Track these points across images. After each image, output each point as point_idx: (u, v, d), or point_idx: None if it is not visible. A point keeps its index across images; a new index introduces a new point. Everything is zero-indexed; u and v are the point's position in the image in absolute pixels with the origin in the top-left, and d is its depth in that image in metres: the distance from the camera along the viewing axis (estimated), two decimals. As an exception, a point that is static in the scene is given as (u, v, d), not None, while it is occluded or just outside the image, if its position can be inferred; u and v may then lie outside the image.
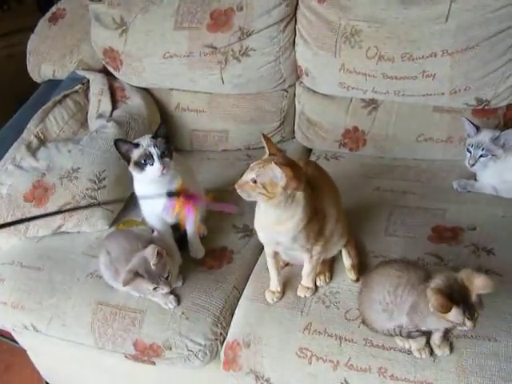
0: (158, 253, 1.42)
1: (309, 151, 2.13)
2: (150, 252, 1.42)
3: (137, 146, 1.51)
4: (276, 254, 1.47)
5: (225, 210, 1.66)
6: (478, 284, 1.13)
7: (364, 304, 1.35)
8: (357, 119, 1.97)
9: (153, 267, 1.42)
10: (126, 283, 1.41)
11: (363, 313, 1.37)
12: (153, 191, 1.55)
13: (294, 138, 2.16)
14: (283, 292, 1.50)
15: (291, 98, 2.09)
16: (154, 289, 1.44)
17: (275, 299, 1.49)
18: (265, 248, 1.47)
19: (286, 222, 1.30)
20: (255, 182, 1.23)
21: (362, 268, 1.52)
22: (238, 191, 1.26)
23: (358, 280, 1.48)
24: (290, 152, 2.11)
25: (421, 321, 1.21)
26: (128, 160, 1.52)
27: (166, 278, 1.45)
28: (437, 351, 1.30)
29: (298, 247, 1.38)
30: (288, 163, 1.24)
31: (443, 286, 1.15)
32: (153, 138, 1.52)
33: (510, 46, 1.69)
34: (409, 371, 1.30)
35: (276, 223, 1.32)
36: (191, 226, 1.66)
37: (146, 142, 1.51)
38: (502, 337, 1.30)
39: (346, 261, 1.52)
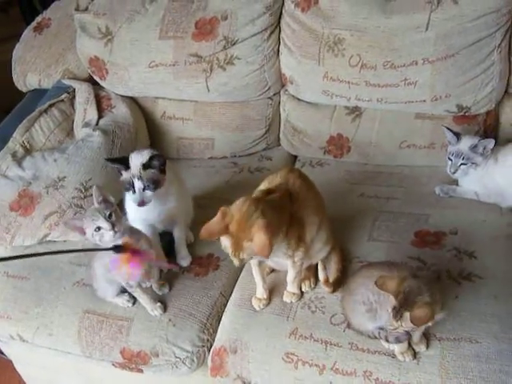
0: (99, 189, 1.39)
1: (294, 158, 2.15)
2: (94, 190, 1.40)
3: (127, 167, 1.50)
4: (261, 262, 1.49)
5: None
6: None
7: (348, 307, 1.38)
8: (341, 126, 2.00)
9: (96, 204, 1.38)
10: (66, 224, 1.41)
11: (347, 316, 1.39)
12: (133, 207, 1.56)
13: (279, 145, 2.18)
14: (270, 298, 1.52)
15: (276, 106, 2.11)
16: (98, 229, 1.35)
17: (262, 306, 1.51)
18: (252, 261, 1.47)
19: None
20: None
21: (347, 273, 1.54)
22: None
23: (334, 291, 1.50)
24: (276, 159, 2.14)
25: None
26: (120, 173, 1.53)
27: (110, 216, 1.36)
28: (414, 347, 1.33)
29: (281, 254, 1.40)
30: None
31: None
32: (143, 168, 1.50)
33: (487, 54, 1.73)
34: (393, 374, 1.32)
35: None
36: (179, 232, 1.68)
37: (135, 169, 1.50)
38: (484, 338, 1.33)
39: (321, 274, 1.53)
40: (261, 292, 1.51)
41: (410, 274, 1.26)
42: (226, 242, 1.27)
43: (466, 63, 1.74)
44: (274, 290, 1.55)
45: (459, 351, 1.32)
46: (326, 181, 1.95)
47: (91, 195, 1.79)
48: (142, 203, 1.51)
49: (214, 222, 1.25)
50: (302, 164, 2.09)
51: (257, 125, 2.13)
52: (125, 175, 1.52)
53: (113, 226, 1.36)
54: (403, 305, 1.18)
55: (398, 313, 1.18)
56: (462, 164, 1.72)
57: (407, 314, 1.17)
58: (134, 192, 1.51)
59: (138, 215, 1.62)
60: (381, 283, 1.21)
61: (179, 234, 1.69)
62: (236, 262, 1.28)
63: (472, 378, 1.28)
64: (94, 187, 1.41)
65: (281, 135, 2.16)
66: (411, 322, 1.16)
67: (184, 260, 1.68)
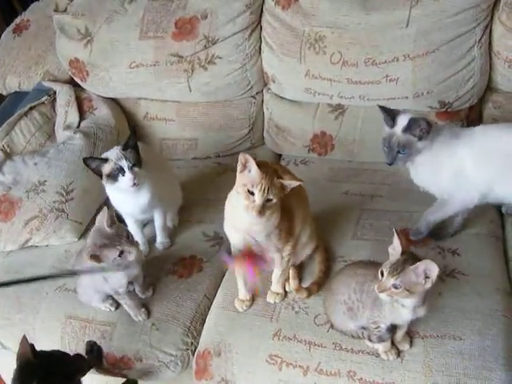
0: (108, 214, 1.36)
1: (279, 157, 2.14)
2: (100, 217, 1.37)
3: (106, 160, 1.51)
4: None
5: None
6: None
7: (329, 307, 1.37)
8: (324, 124, 1.99)
9: (108, 229, 1.36)
10: (93, 259, 1.32)
11: (330, 317, 1.38)
12: (127, 200, 1.59)
13: (263, 144, 2.17)
14: (252, 299, 1.51)
15: (259, 105, 2.10)
16: (121, 254, 1.35)
17: (245, 307, 1.50)
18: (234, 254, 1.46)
19: (264, 222, 1.30)
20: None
21: (331, 273, 1.53)
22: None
23: (309, 296, 1.49)
24: (261, 158, 2.06)
25: (379, 314, 1.23)
26: (100, 175, 1.53)
27: (127, 238, 1.37)
28: (398, 346, 1.32)
29: (271, 246, 1.39)
30: None
31: None
32: (123, 149, 1.52)
33: (468, 50, 1.73)
34: (377, 373, 1.32)
35: (254, 224, 1.31)
36: (159, 219, 1.71)
37: (114, 155, 1.52)
38: (467, 335, 1.33)
39: (292, 282, 1.52)
40: (243, 293, 1.50)
41: None
42: (254, 179, 1.24)
43: (446, 59, 1.74)
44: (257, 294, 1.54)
45: (443, 348, 1.32)
46: (311, 179, 1.91)
47: (72, 199, 1.80)
48: (135, 180, 1.53)
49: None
50: (287, 163, 2.08)
51: (240, 124, 2.11)
52: (107, 167, 1.52)
53: (136, 246, 1.39)
54: (405, 262, 1.15)
55: (398, 267, 1.14)
56: (398, 152, 1.47)
57: (409, 268, 1.13)
58: (124, 174, 1.51)
59: (125, 209, 1.65)
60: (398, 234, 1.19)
61: (160, 221, 1.71)
62: (259, 204, 1.23)
63: (456, 374, 1.28)
64: (103, 210, 1.38)
65: (265, 134, 2.15)
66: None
67: (162, 245, 1.72)
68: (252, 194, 1.23)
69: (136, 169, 1.53)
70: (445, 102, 1.81)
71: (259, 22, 1.96)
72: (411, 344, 1.33)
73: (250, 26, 1.94)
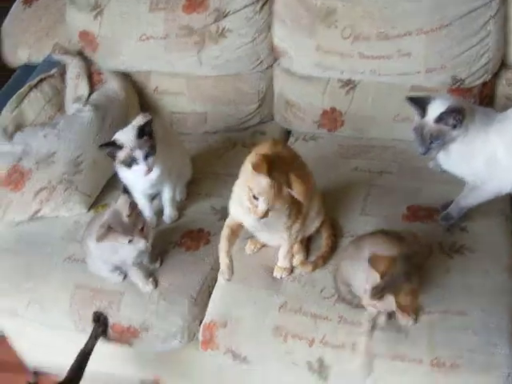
0: (130, 203, 1.39)
1: (288, 132, 2.13)
2: (122, 203, 1.39)
3: (120, 147, 1.51)
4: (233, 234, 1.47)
5: None
6: None
7: (347, 272, 1.36)
8: (334, 100, 1.97)
9: (126, 219, 1.38)
10: (99, 239, 1.37)
11: (348, 281, 1.37)
12: (137, 176, 1.58)
13: (272, 119, 2.15)
14: (256, 283, 1.51)
15: (269, 80, 2.08)
16: (130, 241, 1.40)
17: (227, 276, 1.48)
18: (225, 229, 1.46)
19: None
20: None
21: (337, 247, 1.53)
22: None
23: (315, 269, 1.50)
24: (270, 134, 2.11)
25: None
26: (113, 158, 1.54)
27: (141, 230, 1.41)
28: (403, 322, 1.33)
29: (281, 225, 1.39)
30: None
31: None
32: (138, 136, 1.51)
33: (483, 25, 1.69)
34: (381, 346, 1.33)
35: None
36: (168, 192, 1.72)
37: (130, 143, 1.51)
38: (472, 312, 1.33)
39: (297, 256, 1.52)
40: (224, 259, 1.48)
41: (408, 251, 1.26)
42: (262, 187, 1.22)
43: (460, 34, 1.71)
44: (263, 265, 1.55)
45: (447, 324, 1.32)
46: (320, 155, 1.94)
47: (81, 171, 1.81)
48: (149, 170, 1.54)
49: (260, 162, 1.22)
50: (296, 138, 2.06)
51: (250, 99, 2.10)
52: (121, 154, 1.53)
53: (146, 238, 1.42)
54: (387, 287, 1.17)
55: (378, 292, 1.17)
56: (431, 142, 1.41)
57: (391, 298, 1.15)
58: (138, 164, 1.52)
59: (135, 184, 1.66)
60: (373, 260, 1.20)
61: (168, 194, 1.72)
62: (264, 208, 1.24)
63: (459, 349, 1.29)
64: (122, 201, 1.40)
65: (274, 109, 2.13)
66: (398, 307, 1.16)
67: (169, 217, 1.73)
68: (255, 198, 1.23)
69: (151, 158, 1.53)
70: (457, 78, 1.78)
71: (271, -6, 1.94)
72: (416, 320, 1.34)
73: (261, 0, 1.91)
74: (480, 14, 1.68)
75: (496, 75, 1.82)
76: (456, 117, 1.36)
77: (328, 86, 1.97)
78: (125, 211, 1.38)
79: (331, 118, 1.99)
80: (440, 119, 1.38)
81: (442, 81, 1.80)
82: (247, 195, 1.25)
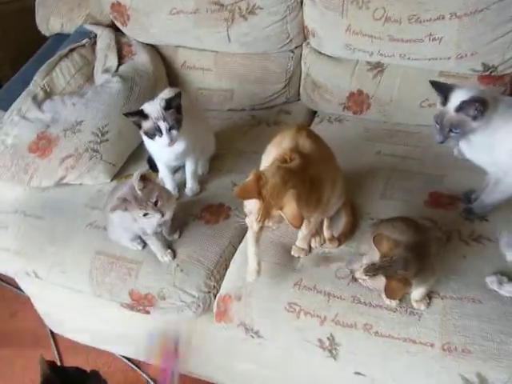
0: (143, 177, 1.41)
1: (313, 113, 2.13)
2: (134, 177, 1.41)
3: (146, 117, 1.54)
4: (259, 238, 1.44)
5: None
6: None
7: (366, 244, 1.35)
8: (362, 82, 1.95)
9: (139, 192, 1.40)
10: (113, 209, 1.41)
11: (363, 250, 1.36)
12: (162, 149, 1.61)
13: (299, 99, 2.15)
14: (272, 260, 1.52)
15: (297, 59, 2.07)
16: (145, 215, 1.43)
17: (254, 277, 1.45)
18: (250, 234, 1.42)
19: None
20: None
21: (355, 229, 1.54)
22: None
23: (340, 245, 1.51)
24: (295, 114, 2.11)
25: None
26: (139, 126, 1.57)
27: (155, 204, 1.43)
28: (414, 305, 1.34)
29: None
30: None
31: None
32: (165, 108, 1.53)
33: (519, 11, 1.65)
34: (393, 328, 1.33)
35: None
36: (190, 165, 1.74)
37: (155, 114, 1.54)
38: (487, 299, 1.33)
39: (326, 232, 1.52)
40: (252, 260, 1.44)
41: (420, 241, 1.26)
42: (252, 206, 1.24)
43: (495, 19, 1.66)
44: (282, 243, 1.56)
45: (461, 310, 1.32)
46: (344, 137, 1.93)
47: (107, 140, 1.84)
48: (171, 143, 1.56)
49: (249, 183, 1.22)
50: (321, 120, 2.06)
51: (277, 78, 2.10)
52: (146, 124, 1.55)
53: (161, 212, 1.44)
54: (383, 268, 1.17)
55: (373, 270, 1.17)
56: (450, 131, 1.39)
57: (382, 279, 1.16)
58: (161, 135, 1.54)
59: (160, 156, 1.70)
60: (377, 239, 1.21)
61: (191, 168, 1.75)
62: (256, 227, 1.26)
63: (472, 336, 1.28)
64: (135, 174, 1.41)
65: (301, 89, 2.13)
66: (384, 289, 1.16)
67: (191, 190, 1.76)
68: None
69: (174, 131, 1.55)
70: (489, 65, 1.75)
71: (305, -28, 1.92)
72: (429, 305, 1.34)
73: (293, -23, 1.90)
74: (517, -1, 1.64)
75: (530, 64, 1.78)
76: (477, 108, 1.33)
77: (356, 68, 1.96)
78: (137, 185, 1.40)
79: (358, 101, 1.98)
80: (461, 108, 1.35)
81: (472, 67, 1.77)
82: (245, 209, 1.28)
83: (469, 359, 1.26)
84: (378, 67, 1.92)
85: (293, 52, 2.07)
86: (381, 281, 1.18)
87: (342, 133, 1.96)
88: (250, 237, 1.43)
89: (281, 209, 1.20)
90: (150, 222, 1.49)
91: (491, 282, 1.34)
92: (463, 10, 1.67)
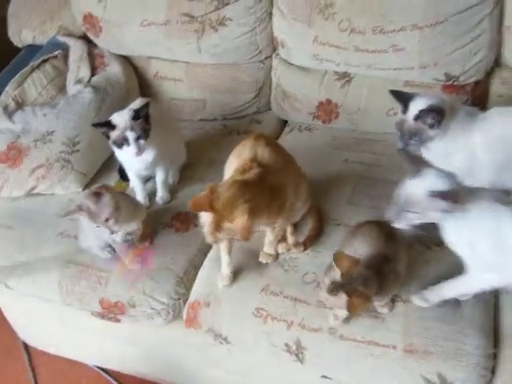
0: (96, 193, 1.43)
1: (284, 122, 2.16)
2: (88, 193, 1.46)
3: (113, 127, 1.56)
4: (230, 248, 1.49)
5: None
6: None
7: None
8: (330, 92, 2.00)
9: (93, 206, 1.43)
10: (65, 214, 1.46)
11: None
12: (132, 158, 1.62)
13: (270, 109, 2.19)
14: (240, 266, 1.54)
15: (267, 70, 2.11)
16: (97, 226, 1.46)
17: (225, 283, 1.50)
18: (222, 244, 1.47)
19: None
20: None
21: (321, 234, 1.57)
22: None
23: (306, 249, 1.54)
24: (266, 123, 2.15)
25: None
26: (107, 137, 1.59)
27: (106, 221, 1.44)
28: (378, 309, 1.37)
29: (262, 224, 1.42)
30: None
31: None
32: (133, 118, 1.56)
33: (477, 23, 1.71)
34: (357, 331, 1.36)
35: None
36: (161, 175, 1.76)
37: (123, 124, 1.56)
38: (447, 302, 1.36)
39: (290, 238, 1.55)
40: (225, 267, 1.51)
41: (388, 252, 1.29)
42: (205, 219, 1.27)
43: (455, 31, 1.72)
44: (249, 249, 1.58)
45: (423, 313, 1.35)
46: (313, 146, 1.97)
47: (78, 150, 1.85)
48: (139, 152, 1.58)
49: (202, 197, 1.25)
50: (291, 129, 2.10)
51: (247, 88, 2.13)
52: (114, 134, 1.57)
53: (110, 229, 1.48)
54: (343, 285, 1.20)
55: (335, 288, 1.20)
56: (410, 139, 1.44)
57: (343, 296, 1.18)
58: (128, 145, 1.56)
59: (129, 166, 1.72)
60: (337, 258, 1.24)
61: (161, 177, 1.77)
62: (210, 240, 1.29)
63: (433, 337, 1.32)
64: (87, 191, 1.50)
65: (271, 99, 2.16)
66: (346, 306, 1.19)
67: (162, 199, 1.77)
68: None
69: (141, 141, 1.57)
70: (451, 75, 1.80)
71: (269, -16, 1.96)
72: (392, 309, 1.37)
73: (261, -12, 1.94)
74: (475, 11, 1.69)
75: (490, 74, 1.84)
76: (434, 117, 1.39)
77: (325, 78, 2.00)
78: (89, 200, 1.43)
79: (326, 110, 2.02)
80: (418, 117, 1.41)
81: (435, 77, 1.82)
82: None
83: (430, 360, 1.29)
84: (345, 77, 1.97)
85: (263, 62, 2.10)
86: (342, 299, 1.20)
87: (311, 141, 2.00)
88: (221, 247, 1.47)
89: (232, 221, 1.23)
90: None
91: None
92: (424, 22, 1.72)
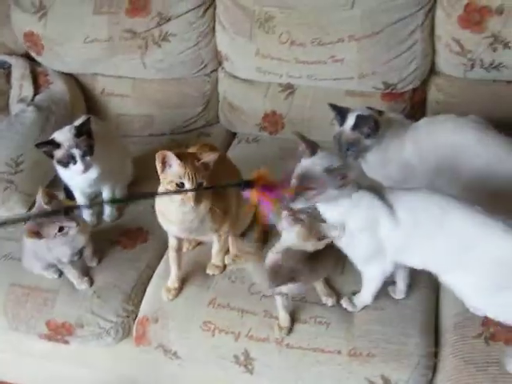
0: (45, 192, 1.43)
1: (233, 135, 2.18)
2: (38, 196, 1.43)
3: (58, 146, 1.55)
4: (179, 249, 1.51)
5: None
6: None
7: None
8: (275, 103, 2.03)
9: (45, 206, 1.42)
10: (33, 235, 1.41)
11: None
12: (76, 176, 1.62)
13: (218, 122, 2.20)
14: (181, 288, 1.53)
15: (214, 83, 2.13)
16: (61, 229, 1.42)
17: (171, 296, 1.51)
18: (170, 240, 1.50)
19: (195, 209, 1.35)
20: None
21: (266, 244, 1.59)
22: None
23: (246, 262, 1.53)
24: (215, 136, 2.16)
25: None
26: (51, 157, 1.57)
27: (67, 213, 1.42)
28: (323, 299, 1.41)
29: (208, 229, 1.44)
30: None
31: None
32: (76, 135, 1.55)
33: (410, 33, 1.77)
34: (303, 339, 1.38)
35: (187, 213, 1.36)
36: (107, 192, 1.76)
37: (67, 142, 1.55)
38: (388, 306, 1.40)
39: (232, 248, 1.57)
40: (173, 281, 1.52)
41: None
42: (177, 170, 1.28)
43: (390, 41, 1.79)
44: (197, 263, 1.59)
45: (365, 317, 1.39)
46: (261, 157, 1.99)
47: (22, 171, 1.83)
48: (86, 170, 1.57)
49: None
50: (239, 140, 2.12)
51: (195, 102, 2.15)
52: (58, 153, 1.56)
53: (75, 220, 1.43)
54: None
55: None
56: (347, 150, 1.51)
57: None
58: (75, 162, 1.55)
59: (74, 184, 1.70)
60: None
61: (108, 194, 1.76)
62: (192, 201, 1.29)
63: (375, 340, 1.35)
64: (40, 189, 1.44)
65: (219, 112, 2.18)
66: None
67: (109, 217, 1.77)
68: (182, 185, 1.27)
69: (87, 157, 1.57)
70: (389, 84, 1.86)
71: (213, 0, 1.99)
72: (338, 301, 1.41)
73: (203, 5, 1.97)
74: (408, 22, 1.76)
75: (426, 81, 1.90)
76: (370, 126, 1.47)
77: (269, 90, 2.03)
78: (42, 200, 1.42)
79: (272, 121, 2.06)
80: (355, 127, 1.48)
81: (374, 86, 1.87)
82: (173, 189, 1.29)
83: (373, 362, 1.32)
84: (289, 88, 2.00)
85: (209, 76, 2.12)
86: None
87: (259, 152, 2.02)
88: (171, 257, 1.50)
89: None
90: (65, 250, 1.50)
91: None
92: (361, 33, 1.78)
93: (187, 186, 1.28)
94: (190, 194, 1.29)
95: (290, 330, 1.39)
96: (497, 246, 1.15)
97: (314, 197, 1.19)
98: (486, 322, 1.30)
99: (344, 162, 1.24)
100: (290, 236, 1.25)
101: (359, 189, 1.22)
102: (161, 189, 1.35)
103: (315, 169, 1.20)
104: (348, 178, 1.18)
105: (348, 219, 1.22)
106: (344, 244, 1.27)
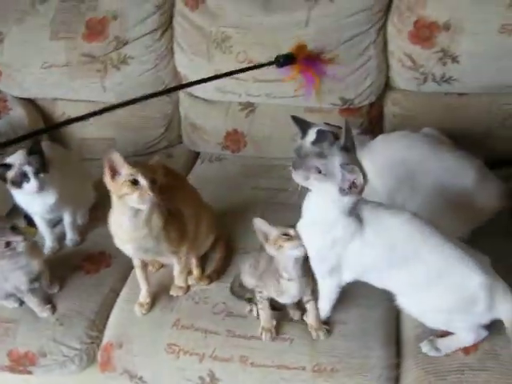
0: None
1: (196, 154, 2.19)
2: None
3: (9, 167, 1.53)
4: (145, 266, 1.52)
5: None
6: None
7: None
8: (236, 122, 2.05)
9: None
10: None
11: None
12: (33, 201, 1.62)
13: (181, 142, 2.21)
14: (153, 302, 1.53)
15: (175, 104, 2.14)
16: (7, 245, 1.40)
17: (144, 311, 1.51)
18: (134, 260, 1.50)
19: (147, 225, 1.35)
20: None
21: (229, 264, 1.59)
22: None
23: (210, 282, 1.56)
24: (178, 156, 2.17)
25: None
26: (4, 180, 1.55)
27: (13, 229, 1.42)
28: (290, 313, 1.42)
29: (165, 250, 1.44)
30: None
31: None
32: (28, 154, 1.55)
33: (364, 50, 1.82)
34: (267, 357, 1.38)
35: (139, 229, 1.35)
36: (68, 217, 1.75)
37: (19, 160, 1.54)
38: (351, 320, 1.41)
39: (195, 271, 1.57)
40: (144, 296, 1.52)
41: None
42: (127, 171, 1.25)
43: (345, 58, 1.83)
44: (161, 285, 1.58)
45: (329, 332, 1.39)
46: (224, 175, 2.01)
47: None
48: (41, 187, 1.56)
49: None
50: (203, 160, 2.13)
51: (157, 123, 2.15)
52: (10, 173, 1.55)
53: (22, 235, 1.42)
54: None
55: None
56: None
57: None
58: (29, 180, 1.53)
59: (32, 209, 1.68)
60: None
61: (69, 219, 1.75)
62: (149, 186, 1.25)
63: (339, 354, 1.35)
64: None
65: (182, 132, 2.19)
66: None
67: (71, 241, 1.75)
68: (136, 182, 1.25)
69: (41, 175, 1.55)
70: (346, 99, 1.90)
71: (171, 22, 2.01)
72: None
73: (160, 27, 1.99)
74: (360, 39, 1.81)
75: (382, 96, 1.95)
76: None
77: (230, 109, 2.06)
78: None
79: (234, 140, 2.07)
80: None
81: (332, 102, 1.91)
82: (130, 189, 1.25)
83: (337, 377, 1.33)
84: (249, 107, 2.03)
85: (170, 97, 2.13)
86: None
87: (221, 171, 2.04)
88: (138, 276, 1.51)
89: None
90: (21, 278, 1.48)
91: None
92: (315, 51, 1.81)
93: (141, 182, 1.24)
94: (147, 184, 1.25)
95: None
96: (462, 279, 1.19)
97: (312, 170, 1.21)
98: (445, 333, 1.32)
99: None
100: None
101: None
102: (114, 204, 1.32)
103: (306, 147, 1.29)
104: (330, 138, 1.19)
105: (332, 225, 1.22)
106: (313, 253, 1.28)
